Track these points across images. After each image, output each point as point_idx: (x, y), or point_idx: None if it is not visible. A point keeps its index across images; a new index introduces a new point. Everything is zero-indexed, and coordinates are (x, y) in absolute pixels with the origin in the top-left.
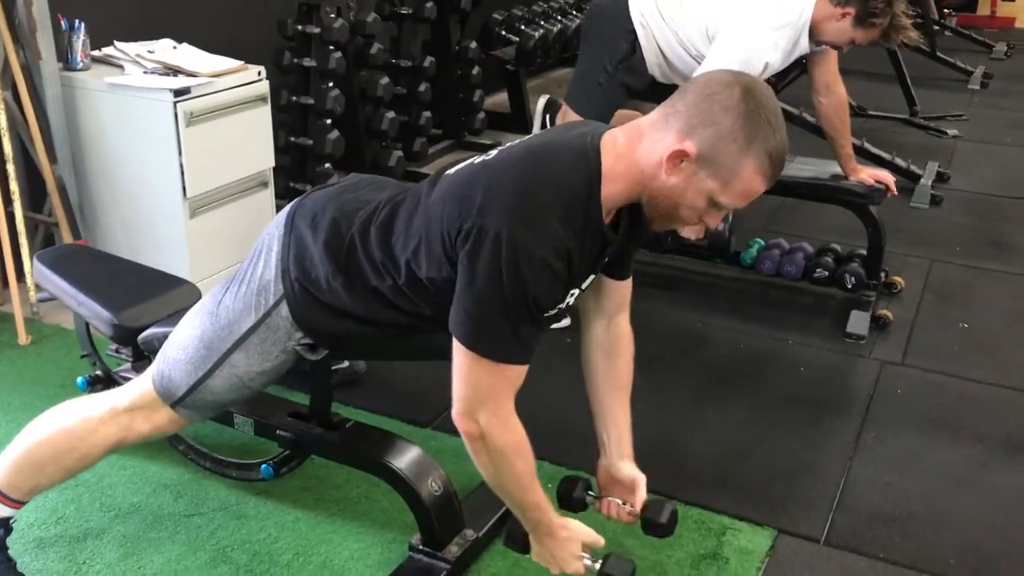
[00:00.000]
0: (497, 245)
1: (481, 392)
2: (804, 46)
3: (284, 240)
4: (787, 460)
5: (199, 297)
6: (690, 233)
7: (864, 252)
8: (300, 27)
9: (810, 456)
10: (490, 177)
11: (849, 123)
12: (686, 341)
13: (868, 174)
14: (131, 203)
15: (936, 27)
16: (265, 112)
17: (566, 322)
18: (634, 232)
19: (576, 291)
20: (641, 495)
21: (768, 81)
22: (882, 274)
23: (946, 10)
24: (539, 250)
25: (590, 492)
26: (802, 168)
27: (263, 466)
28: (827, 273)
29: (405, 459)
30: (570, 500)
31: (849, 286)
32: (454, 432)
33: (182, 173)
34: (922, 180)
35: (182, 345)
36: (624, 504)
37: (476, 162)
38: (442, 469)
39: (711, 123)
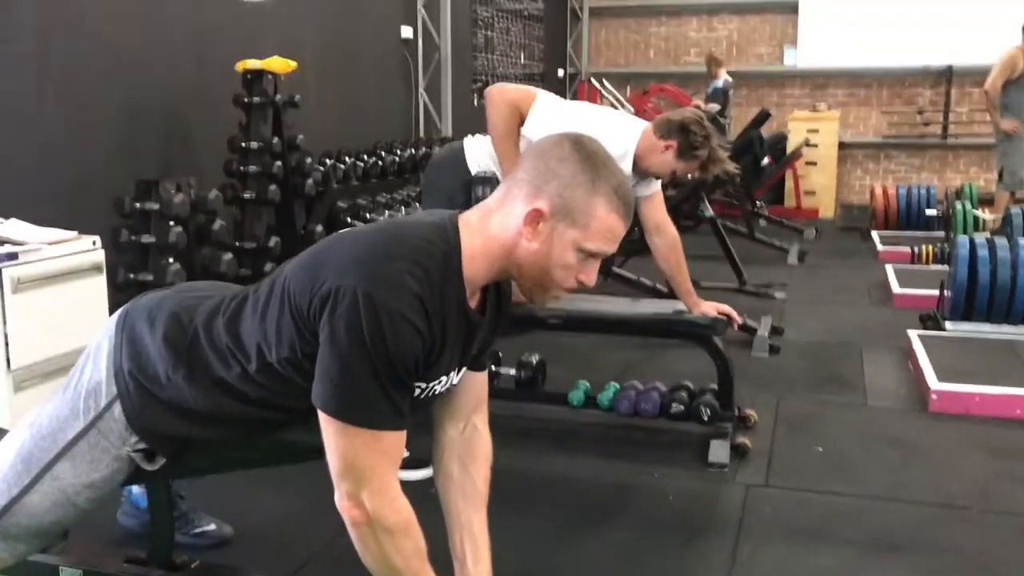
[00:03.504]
0: (355, 305)
1: (360, 470)
2: (628, 175)
3: (116, 340)
4: None
5: None
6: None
7: (715, 387)
8: (138, 204)
9: (689, 574)
10: (342, 246)
11: (684, 260)
12: (551, 482)
13: (710, 306)
14: None
15: (752, 213)
16: (100, 282)
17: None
18: (497, 317)
19: (445, 378)
20: None
21: None
22: (735, 409)
23: (757, 202)
24: (396, 304)
25: None
26: (647, 307)
27: None
28: (683, 407)
29: None
30: None
31: (705, 418)
32: None
33: (6, 344)
34: (759, 332)
35: None
36: None
37: (326, 239)
38: None
39: (553, 177)
